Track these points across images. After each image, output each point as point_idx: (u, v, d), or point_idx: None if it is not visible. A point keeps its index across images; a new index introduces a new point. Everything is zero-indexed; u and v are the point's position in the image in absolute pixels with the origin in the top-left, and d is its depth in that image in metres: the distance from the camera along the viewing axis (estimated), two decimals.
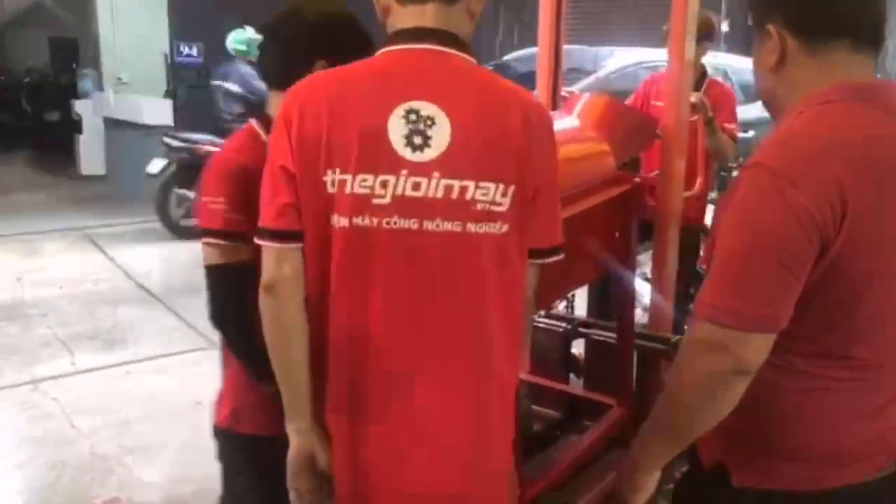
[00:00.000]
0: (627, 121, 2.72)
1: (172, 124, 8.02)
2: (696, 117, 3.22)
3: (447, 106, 1.30)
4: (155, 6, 8.58)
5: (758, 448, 1.33)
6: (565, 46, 3.12)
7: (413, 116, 1.29)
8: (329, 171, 1.30)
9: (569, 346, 3.00)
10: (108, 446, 3.43)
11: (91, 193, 9.31)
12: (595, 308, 3.21)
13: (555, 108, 3.07)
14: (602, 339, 2.96)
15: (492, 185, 1.30)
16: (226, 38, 6.80)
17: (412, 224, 1.30)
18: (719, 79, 4.17)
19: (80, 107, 10.24)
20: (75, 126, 10.32)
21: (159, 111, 8.27)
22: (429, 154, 1.29)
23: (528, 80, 6.42)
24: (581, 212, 2.37)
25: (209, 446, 3.50)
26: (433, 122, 1.29)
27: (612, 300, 2.99)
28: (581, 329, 2.97)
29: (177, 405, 3.81)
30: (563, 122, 2.77)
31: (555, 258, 1.43)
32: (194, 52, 7.72)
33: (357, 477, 1.37)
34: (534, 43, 3.17)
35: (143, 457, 3.34)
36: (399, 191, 1.29)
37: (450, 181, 1.29)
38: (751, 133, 7.13)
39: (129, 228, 7.55)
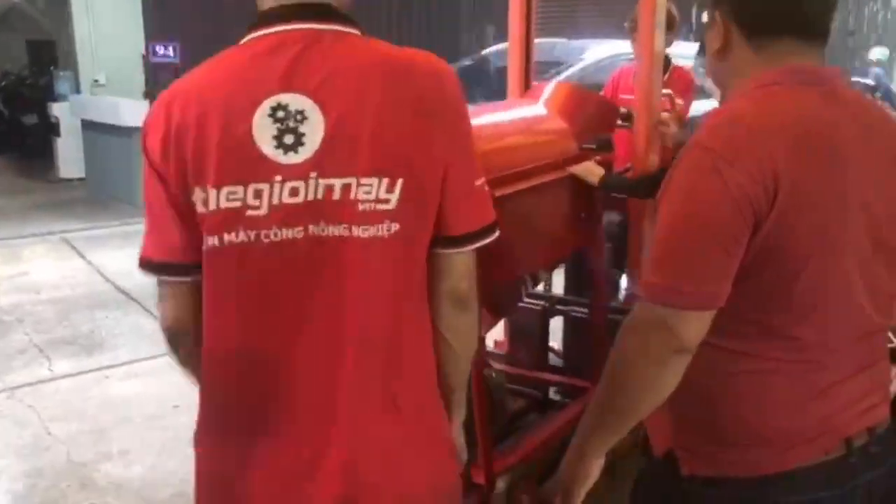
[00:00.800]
0: (589, 105, 2.80)
1: None
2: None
3: (320, 95, 1.13)
4: (130, 6, 8.51)
5: (704, 434, 1.33)
6: (546, 40, 3.13)
7: (280, 113, 1.13)
8: (196, 189, 1.15)
9: (547, 324, 3.03)
10: (86, 452, 3.39)
11: (70, 197, 9.22)
12: (573, 286, 3.25)
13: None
14: (579, 315, 3.01)
15: (375, 181, 1.13)
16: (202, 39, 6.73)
17: (296, 234, 1.14)
18: (683, 66, 4.23)
19: (57, 109, 10.13)
20: (53, 129, 10.21)
21: (138, 112, 8.19)
22: (303, 154, 1.13)
23: (506, 73, 6.42)
24: (542, 187, 2.48)
25: (187, 450, 3.49)
26: (304, 117, 1.13)
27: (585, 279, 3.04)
28: (558, 307, 3.00)
29: (155, 409, 3.78)
30: (528, 108, 2.87)
31: (489, 239, 1.26)
32: (171, 51, 7.64)
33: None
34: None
35: (121, 462, 3.31)
36: (276, 199, 1.13)
37: (329, 181, 1.13)
38: None
39: (109, 232, 7.48)
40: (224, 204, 1.13)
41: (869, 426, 1.34)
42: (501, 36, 7.57)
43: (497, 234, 1.28)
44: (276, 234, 1.14)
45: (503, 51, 7.04)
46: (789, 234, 1.19)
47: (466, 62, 7.23)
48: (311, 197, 1.13)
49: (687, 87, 3.99)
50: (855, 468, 1.32)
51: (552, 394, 3.01)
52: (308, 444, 1.19)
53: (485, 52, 7.23)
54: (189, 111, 1.16)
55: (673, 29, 3.70)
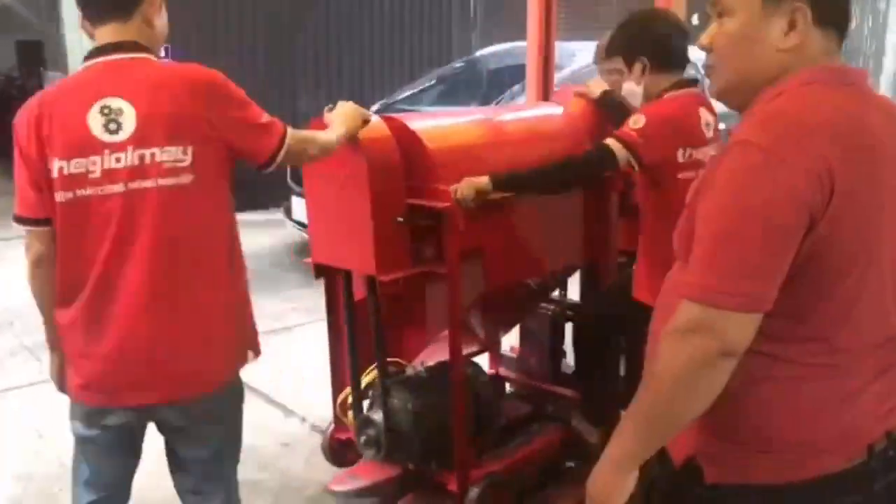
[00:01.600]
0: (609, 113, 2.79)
1: None
2: None
3: (130, 97, 1.76)
4: None
5: (730, 441, 1.30)
6: (520, 43, 3.19)
7: (106, 110, 1.76)
8: (54, 160, 1.78)
9: (559, 330, 3.03)
10: None
11: None
12: (587, 293, 3.25)
13: (547, 100, 3.19)
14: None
15: (173, 149, 1.78)
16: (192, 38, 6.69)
17: (119, 188, 1.78)
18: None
19: None
20: None
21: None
22: (122, 135, 1.77)
23: (498, 75, 6.44)
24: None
25: None
26: (122, 112, 1.76)
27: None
28: (569, 312, 3.00)
29: None
30: (549, 110, 2.94)
31: (286, 145, 1.91)
32: (161, 52, 7.59)
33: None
34: (506, 39, 3.28)
35: None
36: (106, 165, 1.77)
37: (141, 151, 1.77)
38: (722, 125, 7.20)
39: None
40: (73, 170, 1.77)
41: (888, 430, 1.33)
42: (490, 40, 7.59)
43: (287, 139, 1.91)
44: (107, 189, 1.78)
45: (495, 53, 7.09)
46: (838, 236, 1.17)
47: (458, 64, 7.23)
48: (129, 163, 1.78)
49: None
50: (875, 473, 1.31)
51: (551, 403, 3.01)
52: (110, 328, 1.85)
53: (477, 54, 7.23)
54: (45, 108, 1.80)
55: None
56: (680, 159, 2.31)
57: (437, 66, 8.34)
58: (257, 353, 2.10)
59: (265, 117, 1.92)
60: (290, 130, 1.95)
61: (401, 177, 2.32)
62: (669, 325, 1.21)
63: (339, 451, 2.81)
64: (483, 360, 3.29)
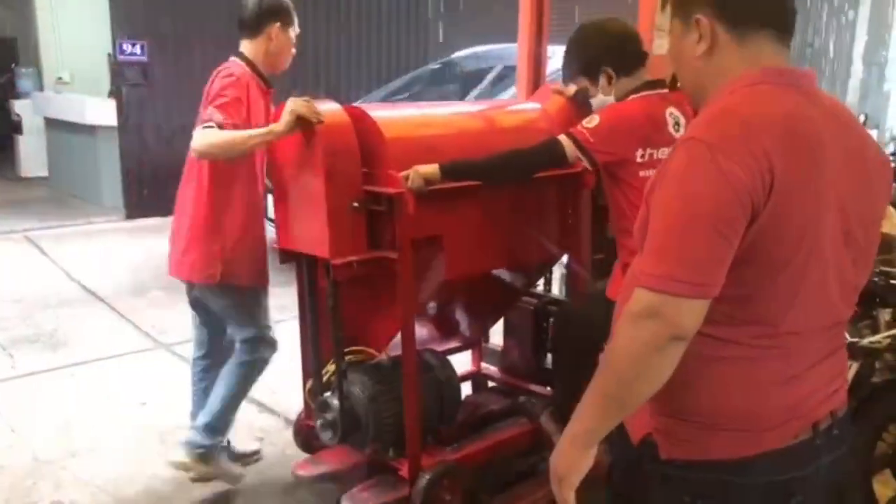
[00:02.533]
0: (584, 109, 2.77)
1: (116, 124, 7.88)
2: None
3: None
4: (96, 4, 8.40)
5: (683, 419, 1.38)
6: (495, 46, 3.13)
7: None
8: None
9: (540, 323, 3.06)
10: (51, 450, 3.36)
11: (32, 195, 9.09)
12: (570, 287, 3.27)
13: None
14: None
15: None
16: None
17: None
18: None
19: (19, 107, 9.99)
20: (15, 127, 10.06)
21: (103, 111, 8.12)
22: None
23: (475, 76, 6.47)
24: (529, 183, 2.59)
25: (154, 447, 3.49)
26: None
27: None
28: (551, 307, 3.03)
29: (121, 406, 3.76)
30: (523, 105, 2.97)
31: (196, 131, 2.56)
32: (138, 49, 7.57)
33: None
34: (470, 44, 3.26)
35: (87, 459, 3.29)
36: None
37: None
38: None
39: (72, 230, 7.40)
40: None
41: (832, 410, 1.41)
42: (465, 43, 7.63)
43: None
44: None
45: (473, 55, 7.14)
46: (779, 226, 1.24)
47: (435, 66, 7.28)
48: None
49: None
50: (819, 450, 1.39)
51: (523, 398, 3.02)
52: None
53: (453, 56, 7.27)
54: None
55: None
56: (639, 159, 2.31)
57: (414, 67, 8.36)
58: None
59: (207, 111, 2.61)
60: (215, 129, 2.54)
61: (357, 163, 2.35)
62: (625, 311, 1.28)
63: (308, 438, 2.84)
64: (468, 355, 3.35)
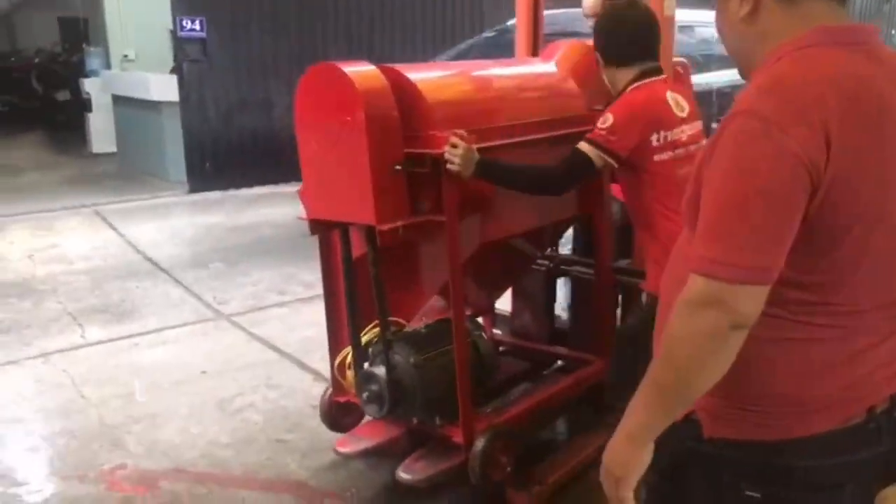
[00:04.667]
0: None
1: (178, 100, 8.05)
2: None
3: None
4: None
5: (729, 397, 1.30)
6: (554, 11, 3.12)
7: None
8: None
9: (552, 287, 3.04)
10: (116, 415, 3.50)
11: (102, 171, 9.39)
12: (581, 247, 3.26)
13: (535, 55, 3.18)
14: (586, 276, 3.03)
15: None
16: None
17: None
18: None
19: (88, 85, 10.30)
20: (85, 104, 10.39)
21: (166, 86, 8.30)
22: None
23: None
24: (545, 142, 2.56)
25: (213, 414, 3.60)
26: None
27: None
28: (563, 267, 3.01)
29: (183, 375, 3.88)
30: (539, 67, 2.90)
31: None
32: (197, 26, 7.70)
33: None
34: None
35: (150, 425, 3.42)
36: None
37: None
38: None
39: (139, 204, 7.62)
40: None
41: (893, 393, 1.32)
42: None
43: None
44: None
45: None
46: (840, 198, 1.16)
47: (489, 34, 7.21)
48: None
49: None
50: (875, 435, 1.31)
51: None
52: None
53: (508, 23, 7.18)
54: None
55: None
56: (654, 143, 2.34)
57: (470, 35, 8.29)
58: None
59: None
60: None
61: (398, 125, 2.29)
62: (680, 299, 1.21)
63: (336, 415, 2.83)
64: None
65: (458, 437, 2.48)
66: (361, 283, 2.51)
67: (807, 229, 1.17)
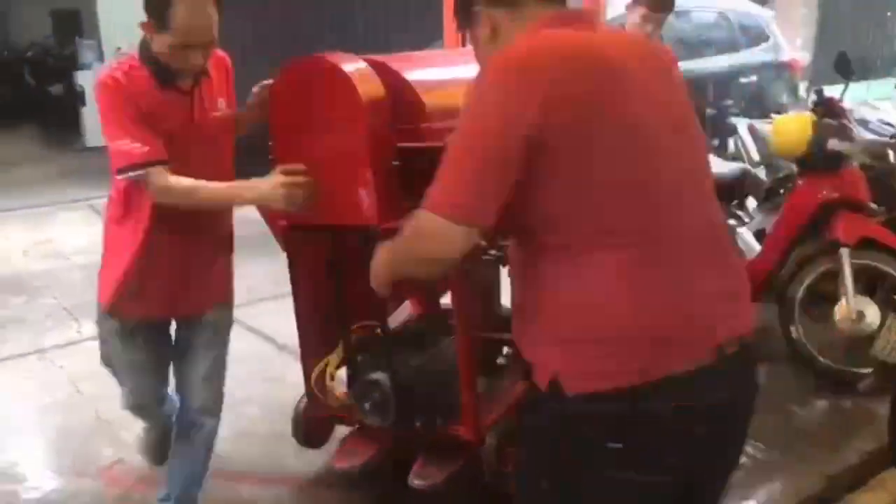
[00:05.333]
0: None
1: None
2: None
3: None
4: None
5: (583, 352, 1.38)
6: None
7: None
8: None
9: (497, 274, 3.03)
10: (113, 410, 3.48)
11: (96, 165, 9.30)
12: None
13: None
14: None
15: None
16: None
17: None
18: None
19: (81, 78, 10.25)
20: (78, 98, 10.34)
21: None
22: None
23: None
24: None
25: None
26: None
27: None
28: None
29: None
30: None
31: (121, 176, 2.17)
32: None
33: None
34: None
35: None
36: None
37: None
38: (753, 77, 7.07)
39: None
40: None
41: (739, 334, 1.41)
42: None
43: (127, 174, 2.15)
44: None
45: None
46: (576, 142, 1.31)
47: None
48: None
49: None
50: (727, 377, 1.39)
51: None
52: None
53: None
54: None
55: (669, 9, 3.69)
56: None
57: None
58: None
59: (116, 144, 2.16)
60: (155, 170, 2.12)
61: (389, 119, 2.24)
62: (407, 224, 1.42)
63: (312, 431, 2.76)
64: None
65: (468, 435, 2.43)
66: (328, 288, 2.45)
67: (549, 176, 1.32)
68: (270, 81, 2.34)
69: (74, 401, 3.62)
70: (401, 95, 2.29)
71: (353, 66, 2.25)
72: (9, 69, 14.46)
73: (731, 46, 7.18)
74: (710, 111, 6.01)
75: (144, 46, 2.16)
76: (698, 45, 7.00)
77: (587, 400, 1.37)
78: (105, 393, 3.63)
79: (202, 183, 2.14)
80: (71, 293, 5.00)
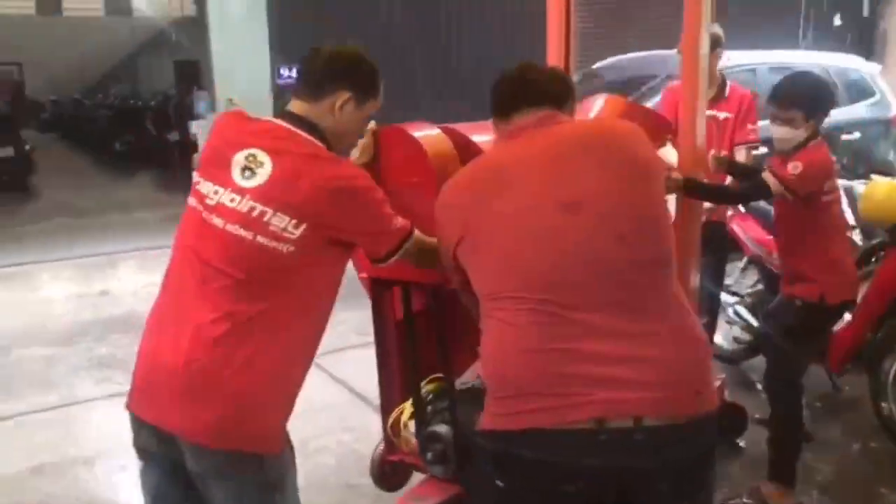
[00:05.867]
0: (639, 119, 2.63)
1: None
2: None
3: (273, 157, 1.78)
4: (259, 30, 9.07)
5: (488, 390, 1.63)
6: (642, 54, 3.08)
7: (251, 157, 1.79)
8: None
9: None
10: None
11: None
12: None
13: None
14: None
15: (287, 218, 1.75)
16: None
17: (220, 222, 1.79)
18: (737, 84, 4.18)
19: (195, 127, 10.88)
20: (192, 146, 10.98)
21: None
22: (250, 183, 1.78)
23: (616, 88, 6.37)
24: None
25: None
26: (262, 165, 1.78)
27: None
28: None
29: None
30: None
31: (393, 258, 1.92)
32: (294, 73, 8.09)
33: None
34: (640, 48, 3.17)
35: None
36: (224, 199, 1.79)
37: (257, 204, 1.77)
38: (856, 134, 6.82)
39: None
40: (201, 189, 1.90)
41: (639, 414, 1.46)
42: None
43: (396, 256, 1.93)
44: (212, 218, 1.82)
45: (614, 65, 7.03)
46: (475, 240, 1.70)
47: (574, 77, 7.22)
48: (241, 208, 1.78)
49: (749, 109, 4.00)
50: (606, 447, 1.46)
51: None
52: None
53: (594, 66, 7.19)
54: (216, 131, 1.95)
55: (715, 50, 3.70)
56: (825, 188, 2.91)
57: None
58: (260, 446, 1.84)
59: (393, 224, 1.88)
60: (414, 237, 1.93)
61: None
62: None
63: (386, 475, 2.82)
64: None
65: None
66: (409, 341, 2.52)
67: (466, 252, 1.72)
68: (374, 125, 2.32)
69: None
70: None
71: (427, 135, 2.35)
72: (134, 117, 15.51)
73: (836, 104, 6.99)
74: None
75: (308, 122, 1.89)
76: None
77: (483, 437, 1.58)
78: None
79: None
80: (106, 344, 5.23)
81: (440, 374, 2.57)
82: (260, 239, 1.75)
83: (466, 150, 2.41)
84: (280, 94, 8.36)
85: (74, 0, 23.08)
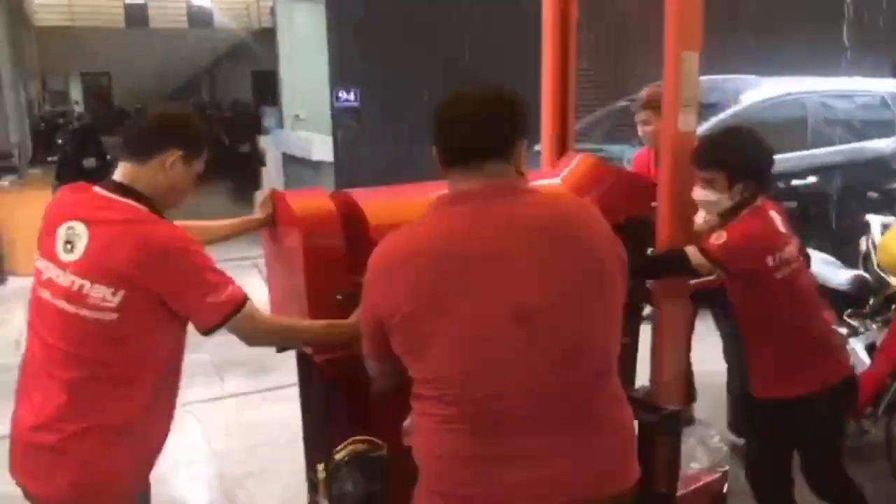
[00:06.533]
0: (609, 181, 2.65)
1: (333, 161, 8.74)
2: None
3: (90, 227, 1.86)
4: (321, 54, 9.37)
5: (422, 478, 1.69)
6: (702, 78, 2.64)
7: (71, 231, 1.87)
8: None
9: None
10: (235, 469, 3.90)
11: None
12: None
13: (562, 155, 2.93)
14: None
15: (103, 288, 1.82)
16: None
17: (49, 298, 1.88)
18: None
19: (263, 141, 11.29)
20: (260, 159, 11.39)
21: (324, 149, 9.02)
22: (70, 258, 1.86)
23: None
24: None
25: None
26: (79, 236, 1.86)
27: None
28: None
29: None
30: (544, 181, 2.72)
31: (218, 330, 1.94)
32: (352, 96, 8.42)
33: None
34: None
35: (261, 479, 3.77)
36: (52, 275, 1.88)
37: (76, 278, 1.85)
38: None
39: None
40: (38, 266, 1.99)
41: None
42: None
43: (236, 319, 1.94)
44: (44, 294, 1.91)
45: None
46: (413, 324, 1.62)
47: (622, 103, 7.24)
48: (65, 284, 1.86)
49: None
50: None
51: None
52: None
53: (620, 103, 7.17)
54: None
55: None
56: (770, 264, 2.47)
57: (603, 103, 8.21)
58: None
59: (217, 293, 1.89)
60: (246, 310, 1.93)
61: (341, 253, 2.24)
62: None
63: None
64: None
65: None
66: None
67: (401, 346, 1.65)
68: (272, 189, 2.48)
69: (205, 456, 4.05)
70: (360, 229, 2.26)
71: (302, 199, 2.31)
72: (210, 127, 16.01)
73: (893, 130, 6.82)
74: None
75: (125, 187, 1.96)
76: (859, 128, 6.75)
77: None
78: (233, 451, 4.06)
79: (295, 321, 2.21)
80: (223, 350, 5.47)
81: (359, 438, 2.26)
82: (83, 312, 1.84)
83: (348, 209, 2.32)
84: (337, 116, 8.65)
85: (161, 13, 24.04)
